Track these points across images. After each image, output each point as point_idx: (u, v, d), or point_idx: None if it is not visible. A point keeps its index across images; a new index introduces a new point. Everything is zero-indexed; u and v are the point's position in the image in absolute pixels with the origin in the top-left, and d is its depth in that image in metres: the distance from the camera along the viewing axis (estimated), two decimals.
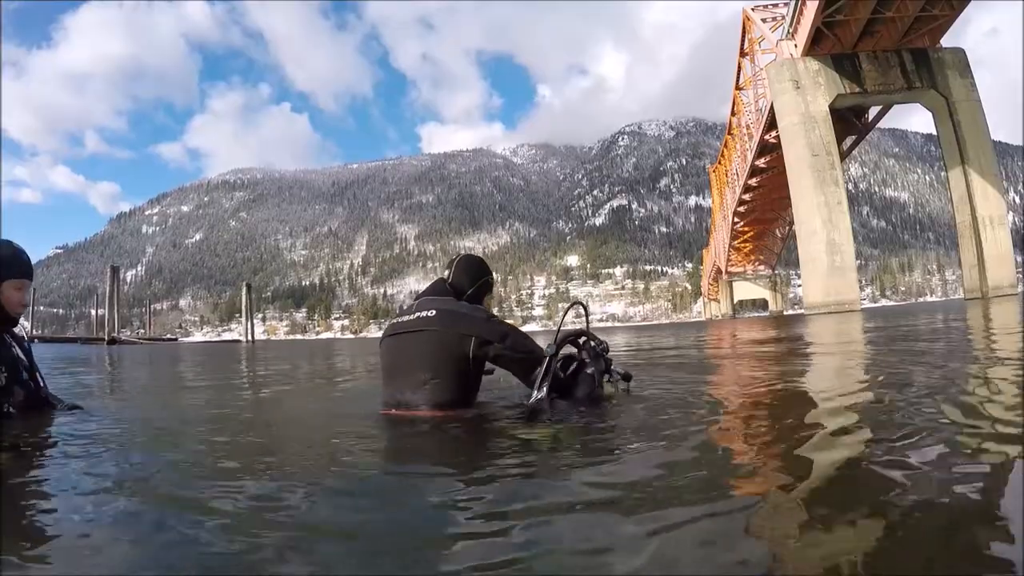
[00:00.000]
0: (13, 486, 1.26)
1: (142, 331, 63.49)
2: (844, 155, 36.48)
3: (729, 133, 57.93)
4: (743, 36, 42.60)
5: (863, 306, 32.52)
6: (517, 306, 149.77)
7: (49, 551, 0.85)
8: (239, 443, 1.79)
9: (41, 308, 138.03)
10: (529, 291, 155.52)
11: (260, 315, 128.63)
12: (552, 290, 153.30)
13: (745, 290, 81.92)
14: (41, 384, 2.04)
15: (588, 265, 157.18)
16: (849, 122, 36.06)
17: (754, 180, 51.70)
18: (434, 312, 1.90)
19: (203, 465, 1.42)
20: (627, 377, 2.23)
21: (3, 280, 1.86)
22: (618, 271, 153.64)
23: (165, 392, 4.07)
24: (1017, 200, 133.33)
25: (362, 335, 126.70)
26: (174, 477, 1.29)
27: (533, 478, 1.21)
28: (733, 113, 52.40)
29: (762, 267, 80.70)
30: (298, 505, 1.03)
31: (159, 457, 1.51)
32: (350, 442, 1.65)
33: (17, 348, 1.94)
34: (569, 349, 2.08)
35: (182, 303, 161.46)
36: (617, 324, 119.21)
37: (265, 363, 8.04)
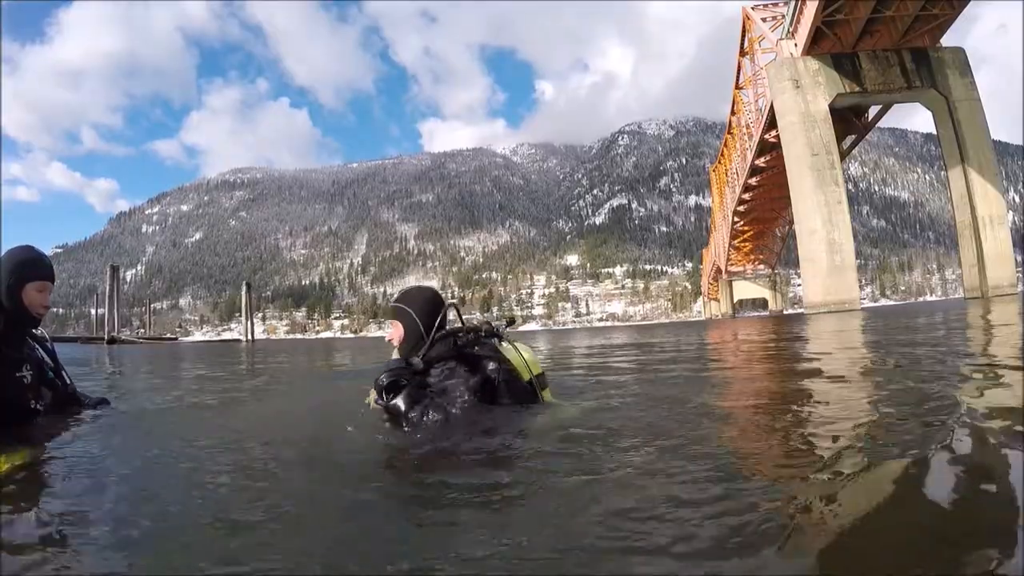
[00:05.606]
0: (44, 477, 1.29)
1: (142, 330, 63.38)
2: (844, 154, 36.45)
3: (729, 132, 57.83)
4: (743, 35, 42.55)
5: (863, 305, 32.54)
6: (517, 305, 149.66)
7: (62, 545, 0.87)
8: (247, 437, 1.82)
9: None
10: (529, 290, 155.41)
11: (260, 314, 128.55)
12: (552, 289, 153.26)
13: (745, 289, 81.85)
14: (68, 382, 2.09)
15: (588, 264, 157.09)
16: (849, 121, 36.03)
17: (754, 179, 51.65)
18: None
19: (220, 455, 1.43)
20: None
21: (26, 282, 1.87)
22: (618, 270, 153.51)
23: (177, 390, 4.11)
24: (1017, 199, 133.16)
25: (362, 334, 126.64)
26: (199, 470, 1.31)
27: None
28: (733, 112, 52.31)
29: (762, 266, 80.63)
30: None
31: (180, 452, 1.52)
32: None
33: (40, 350, 1.98)
34: None
35: (182, 302, 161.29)
36: (617, 323, 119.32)
37: (265, 359, 8.06)
